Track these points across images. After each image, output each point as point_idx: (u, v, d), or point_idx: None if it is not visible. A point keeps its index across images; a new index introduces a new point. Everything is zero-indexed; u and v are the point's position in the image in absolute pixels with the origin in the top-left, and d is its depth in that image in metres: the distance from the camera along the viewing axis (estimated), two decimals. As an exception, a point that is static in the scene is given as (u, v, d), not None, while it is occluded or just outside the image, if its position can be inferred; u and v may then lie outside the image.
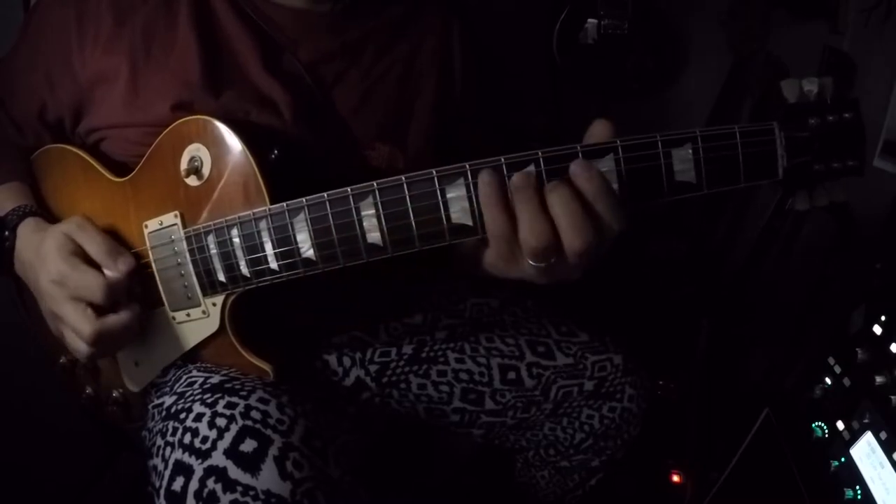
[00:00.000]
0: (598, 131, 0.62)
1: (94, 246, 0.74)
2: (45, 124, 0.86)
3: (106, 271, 0.74)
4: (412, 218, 0.64)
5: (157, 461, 0.71)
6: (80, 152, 0.84)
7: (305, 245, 0.69)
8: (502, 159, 0.62)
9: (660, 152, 0.62)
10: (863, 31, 1.35)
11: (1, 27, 1.01)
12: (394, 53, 0.88)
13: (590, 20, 1.57)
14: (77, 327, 0.73)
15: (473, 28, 0.96)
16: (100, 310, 0.73)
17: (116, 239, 0.80)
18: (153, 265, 0.78)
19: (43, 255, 0.75)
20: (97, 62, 0.79)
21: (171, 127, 0.76)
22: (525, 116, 1.62)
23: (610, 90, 1.64)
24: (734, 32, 1.58)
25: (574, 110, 1.70)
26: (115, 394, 0.88)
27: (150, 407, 0.82)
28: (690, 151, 0.62)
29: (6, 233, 0.80)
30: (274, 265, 0.71)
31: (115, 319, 0.74)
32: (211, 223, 0.73)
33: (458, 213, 0.63)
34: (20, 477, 1.25)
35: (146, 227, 0.78)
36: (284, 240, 0.69)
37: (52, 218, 0.84)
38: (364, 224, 0.66)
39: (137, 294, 0.77)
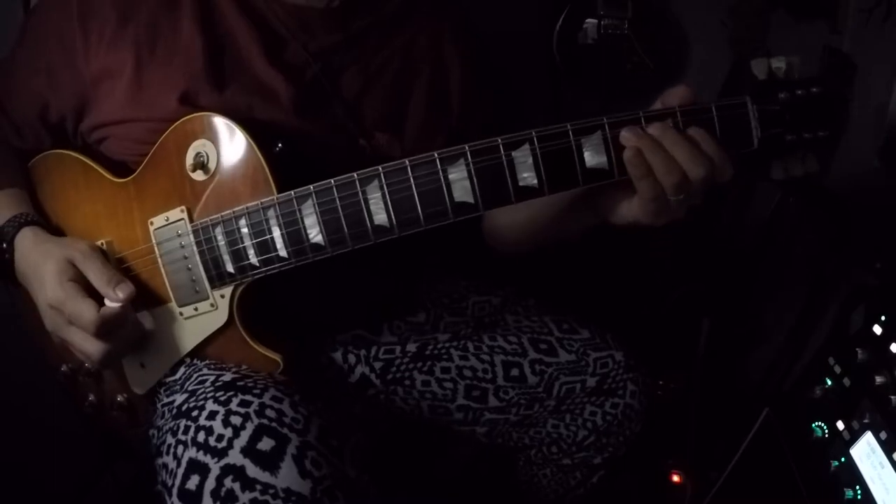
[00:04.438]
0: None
1: (95, 275, 0.75)
2: (46, 125, 0.86)
3: (106, 301, 0.74)
4: (417, 198, 0.68)
5: (168, 459, 0.71)
6: (80, 156, 0.84)
7: (314, 230, 0.71)
8: (499, 140, 0.66)
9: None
10: (863, 31, 1.35)
11: (1, 27, 1.01)
12: (390, 47, 0.89)
13: (590, 20, 1.57)
14: (83, 350, 0.75)
15: (471, 27, 0.97)
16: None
17: (120, 238, 0.81)
18: (159, 261, 0.79)
19: (41, 276, 0.76)
20: (102, 59, 0.80)
21: (174, 125, 0.77)
22: (525, 116, 1.62)
23: (610, 90, 1.64)
24: (734, 32, 1.58)
25: (574, 110, 1.69)
26: (119, 398, 0.87)
27: (159, 405, 0.82)
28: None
29: (3, 245, 0.81)
30: (283, 252, 0.73)
31: (116, 343, 0.75)
32: (219, 215, 0.74)
33: (460, 191, 0.67)
34: (20, 478, 1.25)
35: (152, 223, 0.78)
36: (293, 226, 0.71)
37: (51, 226, 0.84)
38: (371, 206, 0.69)
39: (143, 295, 0.77)
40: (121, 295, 0.74)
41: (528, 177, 0.67)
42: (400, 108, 0.89)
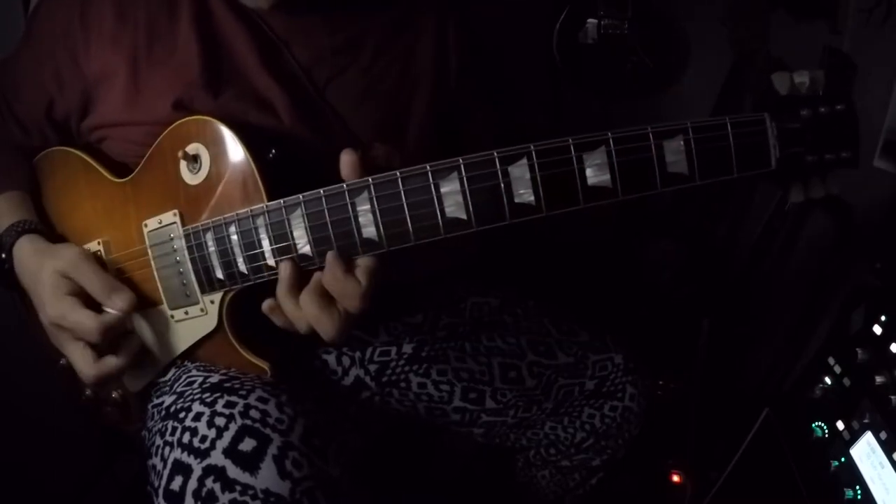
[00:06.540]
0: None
1: (92, 284, 0.75)
2: (52, 122, 0.87)
3: (105, 309, 0.74)
4: (407, 212, 0.65)
5: (156, 460, 0.71)
6: (83, 154, 0.84)
7: (302, 241, 0.69)
8: (495, 153, 0.63)
9: (651, 144, 0.63)
10: (863, 31, 1.35)
11: (1, 27, 1.01)
12: (392, 52, 0.88)
13: (590, 20, 1.57)
14: (80, 369, 0.76)
15: (471, 27, 0.96)
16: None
17: (116, 238, 0.81)
18: (152, 263, 0.79)
19: (39, 294, 0.76)
20: (100, 59, 0.80)
21: (170, 127, 0.77)
22: (525, 116, 1.62)
23: (610, 90, 1.63)
24: (734, 32, 1.58)
25: (574, 110, 1.69)
26: (114, 394, 0.88)
27: (149, 406, 0.82)
28: (682, 143, 0.63)
29: (3, 255, 0.81)
30: (271, 261, 0.71)
31: (115, 363, 0.76)
32: (209, 221, 0.74)
33: (452, 207, 0.64)
34: (20, 477, 1.25)
35: (146, 225, 0.78)
36: (281, 236, 0.70)
37: (52, 224, 0.85)
38: (360, 219, 0.67)
39: (136, 296, 0.78)
40: (120, 304, 0.74)
41: (524, 193, 0.63)
42: (399, 116, 0.88)
